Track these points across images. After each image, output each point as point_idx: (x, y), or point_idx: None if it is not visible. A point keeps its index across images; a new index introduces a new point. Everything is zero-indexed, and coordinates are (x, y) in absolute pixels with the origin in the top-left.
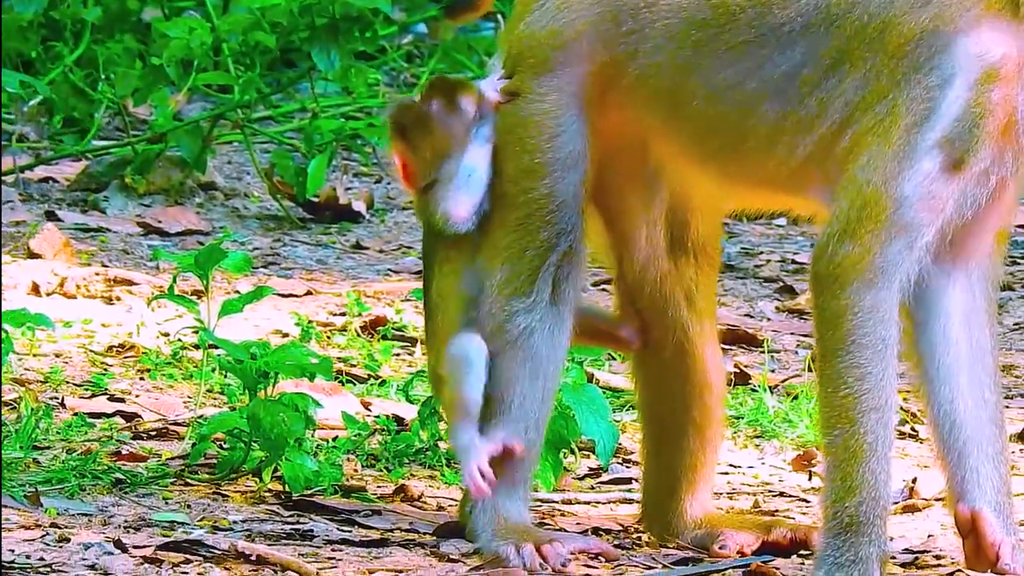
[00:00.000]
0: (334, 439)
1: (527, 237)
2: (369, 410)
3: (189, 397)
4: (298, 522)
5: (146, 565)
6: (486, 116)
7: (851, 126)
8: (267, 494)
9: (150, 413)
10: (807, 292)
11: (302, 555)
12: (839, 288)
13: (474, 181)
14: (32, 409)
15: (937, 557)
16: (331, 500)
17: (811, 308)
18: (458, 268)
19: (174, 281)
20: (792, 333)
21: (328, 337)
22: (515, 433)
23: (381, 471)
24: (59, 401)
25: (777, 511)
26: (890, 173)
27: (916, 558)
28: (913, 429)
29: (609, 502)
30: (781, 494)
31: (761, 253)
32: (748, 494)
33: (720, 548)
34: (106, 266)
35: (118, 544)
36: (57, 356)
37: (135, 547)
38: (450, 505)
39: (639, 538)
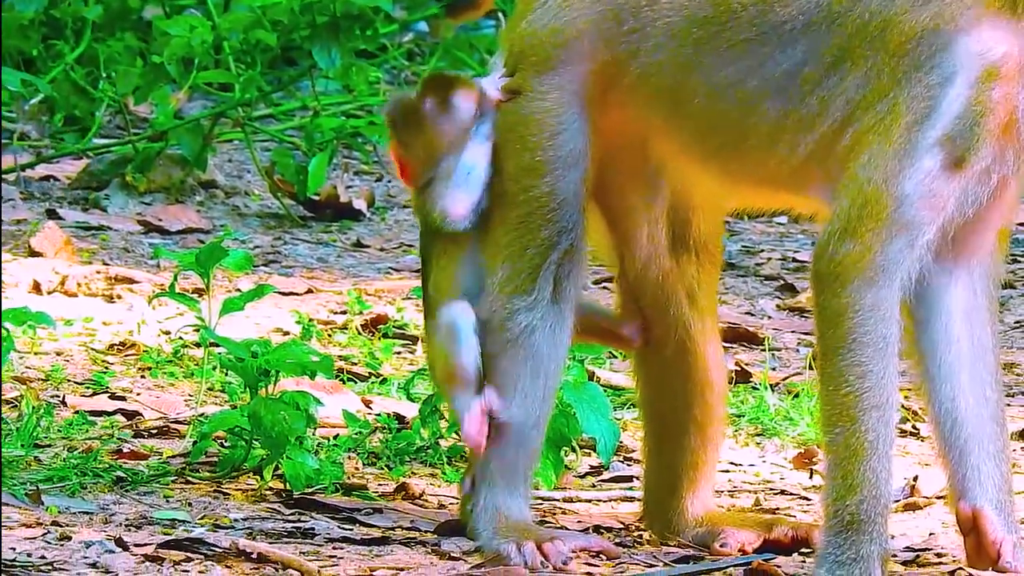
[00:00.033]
0: (335, 437)
1: (528, 235)
2: (370, 408)
3: (190, 395)
4: (299, 520)
5: (147, 563)
6: (486, 114)
7: (852, 124)
8: (268, 492)
9: (151, 411)
10: (808, 290)
11: (303, 553)
12: (840, 286)
13: (473, 179)
14: (33, 407)
15: (938, 555)
16: (332, 498)
17: (812, 306)
18: (455, 263)
19: (175, 279)
20: (793, 331)
21: (329, 335)
22: (515, 432)
23: (382, 469)
24: (60, 399)
25: (778, 509)
26: (891, 171)
27: (917, 556)
28: (914, 427)
29: (610, 500)
30: (782, 492)
31: (762, 251)
32: (749, 492)
33: (721, 546)
34: (107, 264)
35: (119, 542)
36: (58, 354)
37: (136, 545)
38: (451, 503)
39: (640, 536)
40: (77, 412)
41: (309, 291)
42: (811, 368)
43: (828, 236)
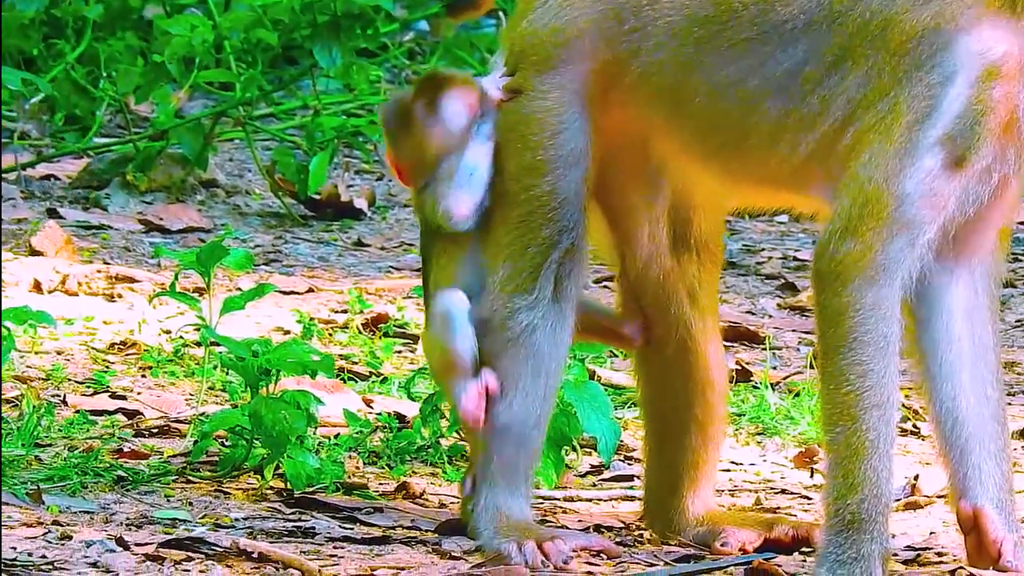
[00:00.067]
0: (336, 436)
1: (529, 234)
2: (371, 407)
3: (191, 394)
4: (300, 519)
5: (148, 563)
6: (488, 113)
7: (853, 123)
8: (269, 491)
9: (152, 410)
10: (809, 289)
11: (304, 552)
12: (841, 285)
13: (475, 179)
14: (34, 406)
15: (939, 554)
16: (333, 497)
17: (813, 305)
18: (455, 262)
19: (176, 278)
20: (794, 330)
21: (330, 334)
22: (516, 432)
23: (383, 468)
24: (61, 398)
25: (779, 508)
26: (892, 170)
27: (918, 555)
28: (915, 426)
29: (611, 499)
30: (783, 491)
31: (763, 250)
32: (750, 491)
33: (722, 545)
34: (108, 263)
35: (120, 542)
36: (59, 353)
37: (137, 545)
38: (452, 502)
39: (641, 535)
40: (78, 411)
41: (310, 290)
42: (812, 367)
43: (829, 235)
